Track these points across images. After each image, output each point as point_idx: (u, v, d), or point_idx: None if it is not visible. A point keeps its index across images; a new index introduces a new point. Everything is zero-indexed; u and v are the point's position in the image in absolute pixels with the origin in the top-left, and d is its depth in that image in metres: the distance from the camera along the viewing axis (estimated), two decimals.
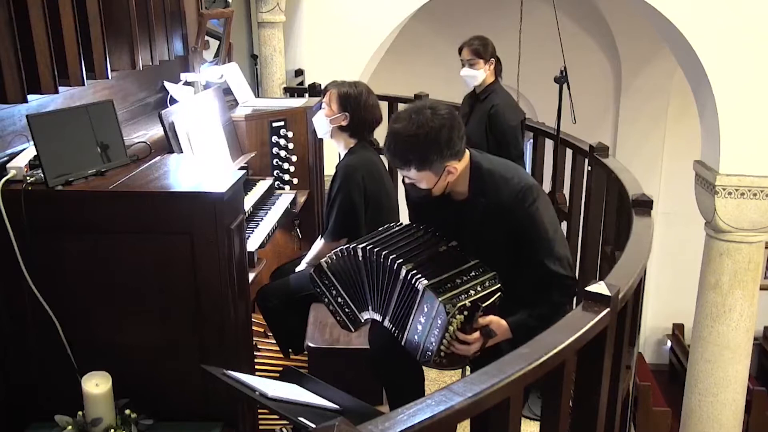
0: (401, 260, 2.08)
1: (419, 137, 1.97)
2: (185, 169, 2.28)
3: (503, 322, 2.08)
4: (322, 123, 2.97)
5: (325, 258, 2.27)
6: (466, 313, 2.03)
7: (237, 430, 2.15)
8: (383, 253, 2.11)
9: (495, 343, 2.10)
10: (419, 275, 2.04)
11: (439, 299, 1.98)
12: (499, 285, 2.10)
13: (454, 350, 2.07)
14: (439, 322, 2.00)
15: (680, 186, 7.06)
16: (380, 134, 3.15)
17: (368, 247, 2.15)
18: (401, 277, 2.07)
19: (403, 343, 2.14)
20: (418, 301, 2.04)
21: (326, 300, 2.31)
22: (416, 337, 2.09)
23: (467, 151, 2.12)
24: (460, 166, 2.07)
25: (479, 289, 2.06)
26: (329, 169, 4.08)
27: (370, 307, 2.24)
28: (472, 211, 2.13)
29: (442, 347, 2.04)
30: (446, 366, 2.20)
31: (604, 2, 7.23)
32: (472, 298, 2.03)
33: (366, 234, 2.34)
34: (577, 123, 3.65)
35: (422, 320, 2.05)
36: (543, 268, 2.08)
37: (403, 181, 2.14)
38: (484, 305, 2.05)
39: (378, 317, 2.22)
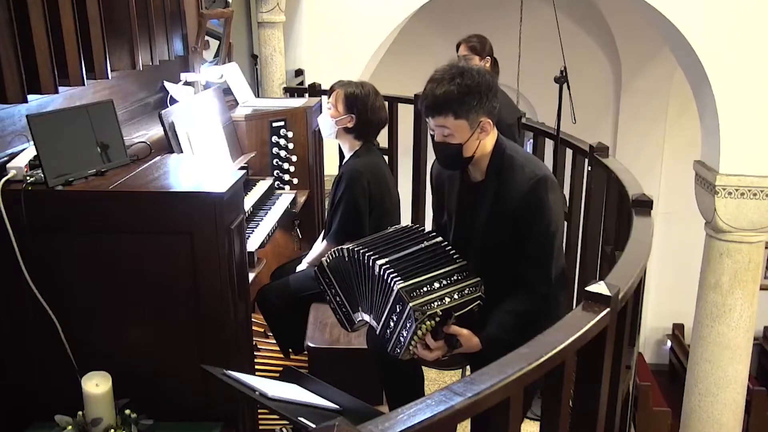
0: (376, 256, 2.09)
1: (463, 80, 2.00)
2: (185, 169, 2.28)
3: (474, 338, 2.07)
4: (327, 124, 2.96)
5: (326, 257, 2.29)
6: (437, 319, 2.02)
7: (237, 430, 2.15)
8: (363, 251, 2.13)
9: (461, 352, 2.11)
10: (396, 275, 2.03)
11: (410, 304, 1.97)
12: (480, 293, 2.08)
13: (417, 353, 2.07)
14: (408, 325, 2.00)
15: (680, 186, 7.06)
16: (381, 135, 3.16)
17: (353, 248, 2.16)
18: (376, 272, 2.08)
19: (377, 333, 2.15)
20: (392, 301, 2.04)
21: (328, 298, 2.33)
22: (388, 331, 2.10)
23: (496, 131, 2.13)
24: (490, 135, 2.09)
25: (456, 297, 2.04)
26: (329, 169, 4.09)
27: (360, 309, 2.25)
28: (486, 193, 2.13)
29: (410, 347, 2.05)
30: (417, 358, 2.20)
31: (604, 2, 7.23)
32: (444, 307, 2.01)
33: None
34: (577, 123, 3.64)
35: (394, 318, 2.05)
36: (530, 262, 2.07)
37: (433, 142, 2.12)
38: (457, 314, 2.04)
39: (368, 318, 2.23)
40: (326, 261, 2.27)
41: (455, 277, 2.08)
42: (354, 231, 2.83)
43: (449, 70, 2.03)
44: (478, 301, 2.08)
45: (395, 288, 2.02)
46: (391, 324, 2.08)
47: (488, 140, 2.10)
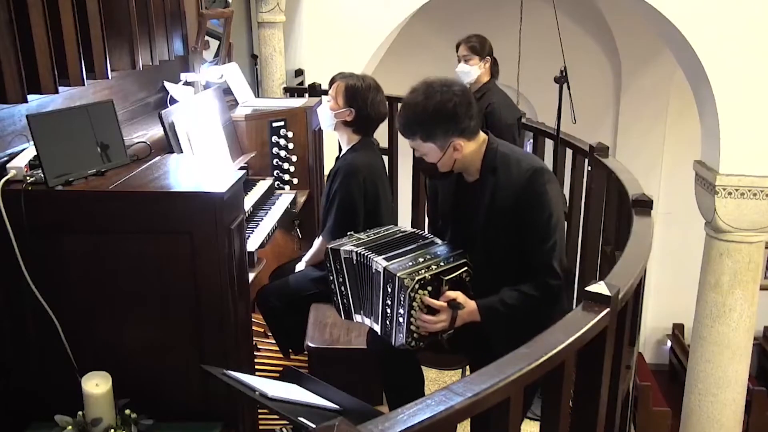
0: (375, 255, 2.12)
1: (426, 108, 2.02)
2: (185, 169, 2.28)
3: (470, 301, 2.09)
4: (326, 116, 2.95)
5: (346, 246, 2.27)
6: (430, 288, 2.05)
7: (237, 430, 2.15)
8: (363, 252, 2.16)
9: (462, 323, 2.09)
10: (381, 260, 2.08)
11: (398, 275, 2.01)
12: (465, 260, 2.12)
13: (423, 325, 2.06)
14: (402, 299, 2.02)
15: (680, 186, 7.06)
16: (381, 134, 3.16)
17: (362, 252, 2.18)
18: (374, 269, 2.11)
19: (380, 333, 2.16)
20: (381, 284, 2.07)
21: (331, 278, 2.33)
22: (387, 321, 2.11)
23: (485, 134, 2.14)
24: (470, 146, 2.09)
25: (442, 264, 2.09)
26: (329, 169, 4.09)
27: (362, 311, 2.26)
28: (483, 191, 2.13)
29: (412, 327, 2.06)
30: (424, 350, 2.20)
31: (604, 2, 7.23)
32: (433, 272, 2.05)
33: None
34: (577, 123, 3.64)
35: (389, 302, 2.07)
36: (535, 254, 2.06)
37: (414, 155, 2.16)
38: (447, 278, 2.07)
39: (368, 321, 2.23)
40: (346, 251, 2.26)
41: (437, 252, 2.15)
42: (349, 227, 2.82)
43: (419, 92, 2.06)
44: (466, 268, 2.12)
45: (380, 268, 2.05)
46: (388, 311, 2.09)
47: (470, 150, 2.10)
